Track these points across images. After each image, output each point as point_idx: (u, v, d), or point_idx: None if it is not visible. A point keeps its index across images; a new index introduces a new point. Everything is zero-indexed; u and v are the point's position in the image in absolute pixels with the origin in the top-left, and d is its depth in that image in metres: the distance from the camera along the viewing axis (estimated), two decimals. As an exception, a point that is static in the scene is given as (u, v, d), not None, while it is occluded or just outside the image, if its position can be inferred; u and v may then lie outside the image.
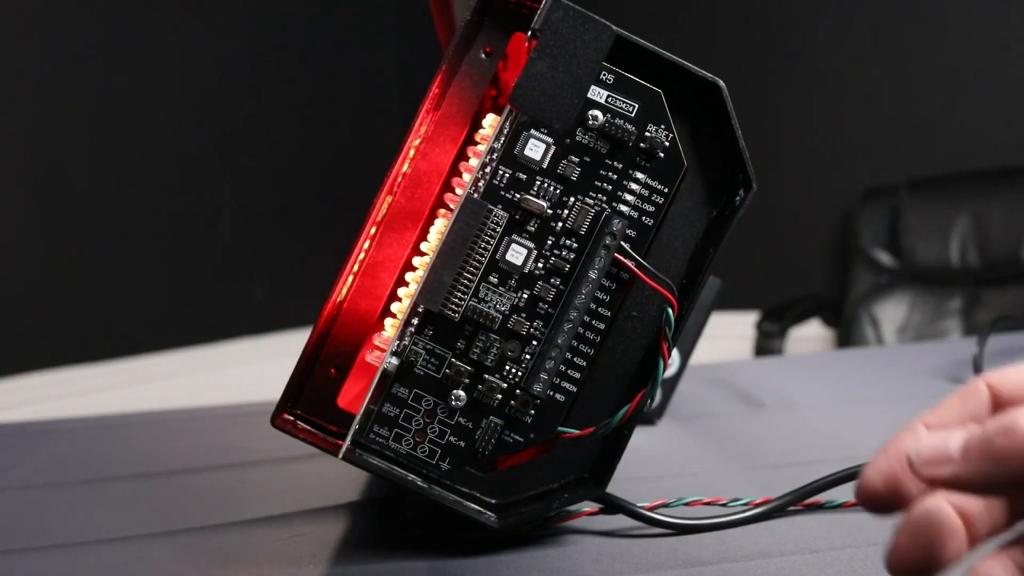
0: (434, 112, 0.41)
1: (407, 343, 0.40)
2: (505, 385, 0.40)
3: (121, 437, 0.66)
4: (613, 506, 0.43)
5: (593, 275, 0.39)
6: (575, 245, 0.40)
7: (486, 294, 0.40)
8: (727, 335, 1.41)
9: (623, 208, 0.40)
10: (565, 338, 0.40)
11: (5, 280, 1.66)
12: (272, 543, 0.43)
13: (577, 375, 0.40)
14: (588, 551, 0.41)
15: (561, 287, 0.40)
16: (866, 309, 1.69)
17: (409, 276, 0.40)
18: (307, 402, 0.40)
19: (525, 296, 0.40)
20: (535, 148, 0.39)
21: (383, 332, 0.40)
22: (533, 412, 0.40)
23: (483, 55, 0.41)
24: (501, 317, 0.40)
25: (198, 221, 1.97)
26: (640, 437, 0.57)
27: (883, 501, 0.27)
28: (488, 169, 0.40)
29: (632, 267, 0.40)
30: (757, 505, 0.44)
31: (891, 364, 0.86)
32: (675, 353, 0.62)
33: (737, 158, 0.40)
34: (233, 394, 1.70)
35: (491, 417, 0.40)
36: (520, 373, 0.40)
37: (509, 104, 0.38)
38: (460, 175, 0.40)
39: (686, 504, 0.44)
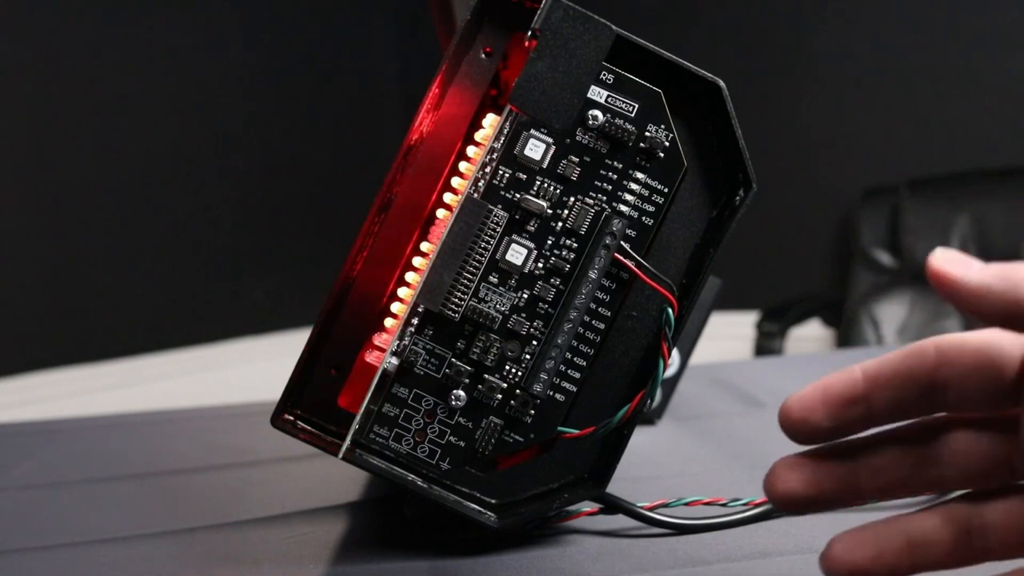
0: (434, 112, 0.41)
1: (407, 343, 0.40)
2: (505, 385, 0.40)
3: (121, 437, 0.66)
4: (613, 506, 0.43)
5: (593, 275, 0.39)
6: (575, 245, 0.40)
7: (486, 294, 0.40)
8: (727, 335, 1.41)
9: (623, 208, 0.40)
10: (565, 338, 0.40)
11: (5, 280, 1.66)
12: (272, 543, 0.43)
13: (577, 375, 0.40)
14: (588, 551, 0.41)
15: (561, 287, 0.40)
16: (866, 309, 1.69)
17: (409, 276, 0.40)
18: (307, 402, 0.40)
19: (525, 296, 0.40)
20: (535, 148, 0.39)
21: (383, 332, 0.40)
22: (533, 412, 0.40)
23: (483, 55, 0.41)
24: (501, 317, 0.40)
25: (198, 221, 1.97)
26: (640, 437, 0.57)
27: (798, 427, 0.30)
28: (488, 169, 0.40)
29: (632, 267, 0.40)
30: (757, 505, 0.44)
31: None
32: (675, 353, 0.62)
33: (737, 158, 0.40)
34: (233, 394, 1.70)
35: (491, 417, 0.40)
36: (520, 373, 0.40)
37: (509, 104, 0.38)
38: (460, 175, 0.40)
39: (686, 504, 0.44)
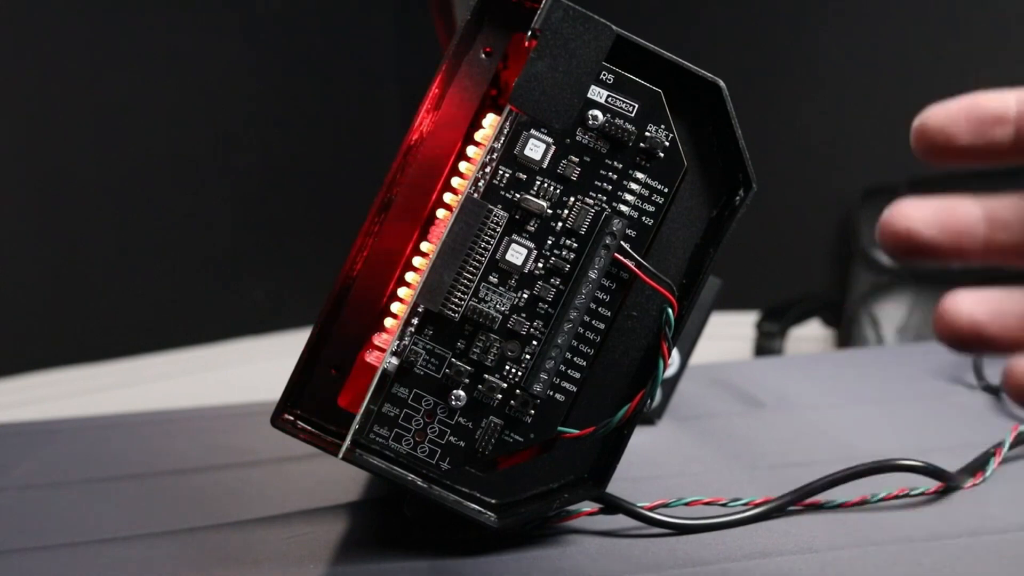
0: (434, 112, 0.41)
1: (407, 343, 0.40)
2: (505, 385, 0.40)
3: (121, 437, 0.66)
4: (613, 506, 0.43)
5: (593, 275, 0.39)
6: (575, 245, 0.40)
7: (486, 294, 0.40)
8: (727, 335, 1.41)
9: (623, 208, 0.40)
10: (565, 338, 0.40)
11: (5, 280, 1.66)
12: (272, 543, 0.43)
13: (577, 375, 0.40)
14: (588, 551, 0.41)
15: (561, 287, 0.40)
16: (866, 309, 1.69)
17: (409, 276, 0.40)
18: (307, 402, 0.40)
19: (525, 296, 0.40)
20: (535, 148, 0.39)
21: (383, 332, 0.40)
22: (533, 412, 0.40)
23: (483, 55, 0.41)
24: (501, 317, 0.40)
25: (198, 221, 1.97)
26: (640, 437, 0.57)
27: (933, 138, 0.25)
28: (488, 169, 0.40)
29: (632, 267, 0.40)
30: (757, 505, 0.44)
31: (891, 364, 0.86)
32: (675, 353, 0.62)
33: (737, 158, 0.40)
34: (233, 394, 1.70)
35: (491, 417, 0.40)
36: (520, 373, 0.40)
37: (509, 104, 0.38)
38: (460, 175, 0.40)
39: (686, 504, 0.44)
